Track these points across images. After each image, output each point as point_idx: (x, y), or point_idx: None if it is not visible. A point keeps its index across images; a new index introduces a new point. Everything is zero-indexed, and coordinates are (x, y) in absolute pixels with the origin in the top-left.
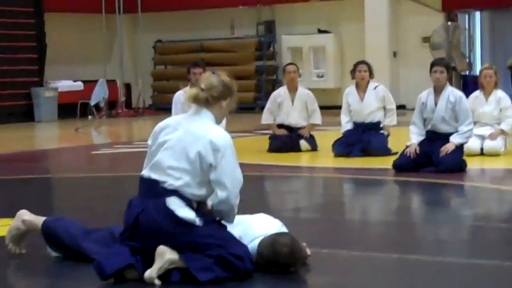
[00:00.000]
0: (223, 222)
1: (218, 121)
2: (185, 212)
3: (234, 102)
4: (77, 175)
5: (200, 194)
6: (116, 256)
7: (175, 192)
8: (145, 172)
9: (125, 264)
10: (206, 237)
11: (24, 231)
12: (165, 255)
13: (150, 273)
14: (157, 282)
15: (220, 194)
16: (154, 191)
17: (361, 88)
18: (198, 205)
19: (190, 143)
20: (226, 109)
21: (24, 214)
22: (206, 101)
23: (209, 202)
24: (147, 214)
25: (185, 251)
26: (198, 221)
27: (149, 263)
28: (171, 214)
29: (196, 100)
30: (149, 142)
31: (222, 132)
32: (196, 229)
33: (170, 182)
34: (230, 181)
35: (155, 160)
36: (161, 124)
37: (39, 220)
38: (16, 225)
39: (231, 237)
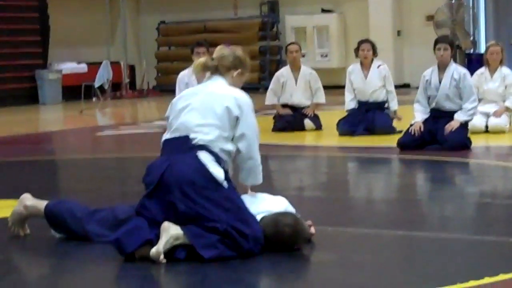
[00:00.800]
0: (247, 193)
1: None
2: (216, 169)
3: (246, 74)
4: (82, 156)
5: (228, 148)
6: (136, 232)
7: (204, 147)
8: (169, 136)
9: (145, 239)
10: (227, 200)
11: (26, 215)
12: (170, 230)
13: (157, 248)
14: (162, 258)
15: (242, 146)
16: (183, 147)
17: (365, 67)
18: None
19: (215, 101)
20: (238, 79)
21: (27, 199)
22: (215, 69)
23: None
24: (173, 169)
25: (190, 226)
26: (225, 183)
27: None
28: (202, 167)
29: (204, 67)
30: (167, 114)
31: (242, 91)
32: (222, 189)
33: (200, 137)
34: (251, 133)
35: (179, 123)
36: (176, 97)
37: (41, 204)
38: (18, 209)
39: (247, 212)
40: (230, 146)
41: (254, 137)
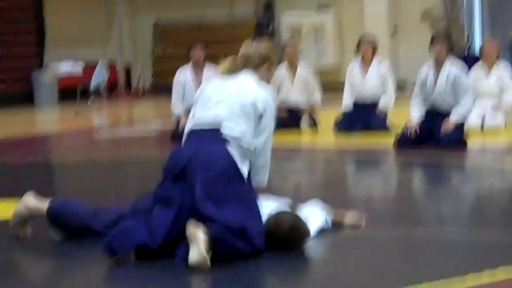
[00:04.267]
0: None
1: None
2: (242, 165)
3: (274, 65)
4: (78, 159)
5: (254, 144)
6: (126, 236)
7: (232, 142)
8: (195, 126)
9: (134, 246)
10: (245, 197)
11: (26, 216)
12: (197, 234)
13: (200, 253)
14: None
15: (258, 142)
16: (211, 137)
17: (365, 63)
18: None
19: (244, 95)
20: (266, 73)
21: (29, 200)
22: (243, 67)
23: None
24: (201, 155)
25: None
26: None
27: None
28: (232, 160)
29: (233, 71)
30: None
31: (267, 89)
32: (245, 185)
33: (227, 132)
34: (269, 131)
35: (207, 114)
36: (204, 85)
37: (43, 204)
38: (19, 209)
39: (258, 212)
40: (255, 142)
41: (271, 135)
